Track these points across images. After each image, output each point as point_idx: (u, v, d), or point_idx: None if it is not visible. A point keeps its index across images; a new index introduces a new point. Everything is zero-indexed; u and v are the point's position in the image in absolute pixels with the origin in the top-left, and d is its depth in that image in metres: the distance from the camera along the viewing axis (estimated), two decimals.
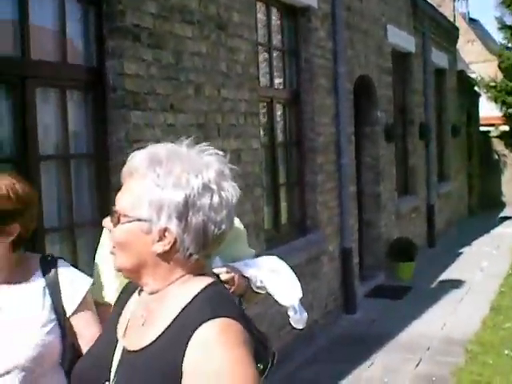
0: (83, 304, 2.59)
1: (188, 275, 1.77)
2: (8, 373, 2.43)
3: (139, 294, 1.89)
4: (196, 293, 1.72)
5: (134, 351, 1.73)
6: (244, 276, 2.75)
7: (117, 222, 1.76)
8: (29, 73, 4.39)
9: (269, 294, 2.80)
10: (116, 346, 1.80)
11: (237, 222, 2.94)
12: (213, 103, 6.18)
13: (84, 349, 2.52)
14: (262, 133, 7.52)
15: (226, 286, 2.65)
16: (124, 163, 1.85)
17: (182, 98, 5.70)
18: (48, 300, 2.53)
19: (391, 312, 9.36)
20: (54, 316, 2.52)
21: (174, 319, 1.69)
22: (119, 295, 2.01)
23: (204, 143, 1.82)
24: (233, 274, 2.69)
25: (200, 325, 1.61)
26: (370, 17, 10.87)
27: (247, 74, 6.87)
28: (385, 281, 11.09)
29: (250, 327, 1.73)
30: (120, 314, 1.91)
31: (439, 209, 15.16)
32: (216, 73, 6.27)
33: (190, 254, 1.74)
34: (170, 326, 1.69)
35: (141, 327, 1.77)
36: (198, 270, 1.79)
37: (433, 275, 11.46)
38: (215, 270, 2.67)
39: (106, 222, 1.87)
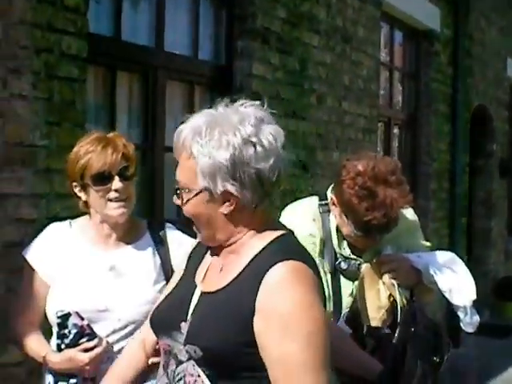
0: None
1: (259, 227, 1.88)
2: (125, 327, 2.49)
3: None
4: (269, 241, 1.84)
5: (210, 292, 1.86)
6: (416, 268, 2.63)
7: (182, 199, 1.88)
8: (161, 63, 4.45)
9: (440, 291, 2.66)
10: (194, 291, 1.92)
11: (410, 213, 2.82)
12: (333, 115, 6.13)
13: None
14: (378, 151, 7.41)
15: (391, 275, 2.57)
16: None
17: (305, 105, 5.68)
18: (158, 260, 2.58)
19: (495, 349, 9.00)
20: (163, 275, 2.55)
21: (248, 263, 1.81)
22: (195, 248, 2.11)
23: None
24: (399, 263, 2.59)
25: (272, 266, 1.73)
26: (491, 48, 10.63)
27: (368, 90, 6.79)
28: (489, 319, 10.69)
29: (319, 275, 1.86)
30: (198, 264, 2.02)
31: None
32: (338, 85, 6.22)
33: (256, 206, 1.84)
34: (244, 269, 1.81)
35: (218, 273, 1.89)
36: (269, 224, 1.91)
37: None
38: (382, 258, 2.59)
39: (174, 199, 1.93)
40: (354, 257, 2.68)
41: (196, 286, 1.93)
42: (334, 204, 2.62)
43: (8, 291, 3.19)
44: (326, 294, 2.58)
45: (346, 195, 2.49)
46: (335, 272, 2.67)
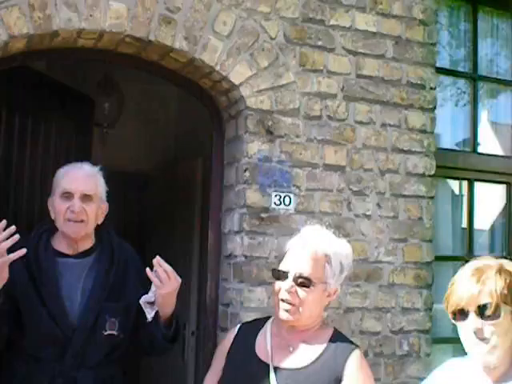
0: None
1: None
2: None
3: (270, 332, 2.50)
4: (333, 330, 2.51)
5: (297, 369, 2.37)
6: None
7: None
8: None
9: None
10: (265, 367, 2.38)
11: None
12: None
13: None
14: None
15: None
16: None
17: None
18: None
19: None
20: None
21: (327, 346, 2.41)
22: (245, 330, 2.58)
23: None
24: None
25: (353, 350, 2.41)
26: None
27: None
28: None
29: None
30: (253, 343, 2.48)
31: None
32: None
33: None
34: (325, 349, 2.40)
35: (290, 353, 2.40)
36: None
37: None
38: None
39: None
40: None
41: (263, 363, 2.40)
42: None
43: None
44: None
45: None
46: None
